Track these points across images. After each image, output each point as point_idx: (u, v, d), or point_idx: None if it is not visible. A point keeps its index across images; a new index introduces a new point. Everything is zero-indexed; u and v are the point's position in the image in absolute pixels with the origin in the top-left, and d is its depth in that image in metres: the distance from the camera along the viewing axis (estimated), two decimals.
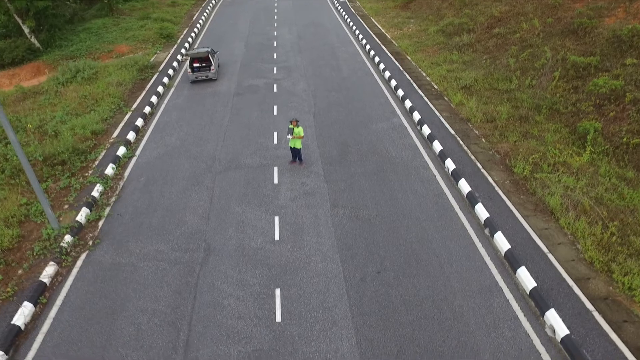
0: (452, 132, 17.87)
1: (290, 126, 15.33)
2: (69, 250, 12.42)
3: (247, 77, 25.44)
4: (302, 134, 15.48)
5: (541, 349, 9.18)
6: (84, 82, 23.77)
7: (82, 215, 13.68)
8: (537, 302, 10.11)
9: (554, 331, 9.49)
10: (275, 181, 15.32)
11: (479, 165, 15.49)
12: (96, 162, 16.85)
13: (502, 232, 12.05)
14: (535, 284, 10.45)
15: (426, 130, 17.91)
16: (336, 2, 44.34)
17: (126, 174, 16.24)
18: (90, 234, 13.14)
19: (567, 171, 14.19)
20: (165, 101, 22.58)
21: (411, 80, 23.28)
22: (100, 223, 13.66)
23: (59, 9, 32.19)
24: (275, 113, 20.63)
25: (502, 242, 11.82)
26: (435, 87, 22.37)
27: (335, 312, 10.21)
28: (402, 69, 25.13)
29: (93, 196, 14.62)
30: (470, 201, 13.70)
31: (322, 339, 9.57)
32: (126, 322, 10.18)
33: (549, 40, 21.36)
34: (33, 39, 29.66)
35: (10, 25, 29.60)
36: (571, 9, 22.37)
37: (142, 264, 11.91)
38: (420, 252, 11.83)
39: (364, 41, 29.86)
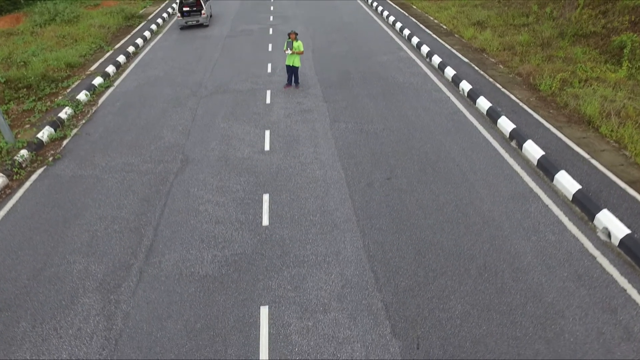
0: (466, 60, 15.99)
1: (289, 40, 13.45)
2: (23, 165, 10.55)
3: (242, 23, 23.60)
4: (301, 48, 13.60)
5: (595, 252, 7.30)
6: (64, 24, 21.84)
7: (44, 133, 11.81)
8: (584, 206, 8.22)
9: (608, 234, 7.62)
10: (268, 101, 13.46)
11: (498, 85, 13.62)
12: (68, 90, 14.97)
13: (532, 141, 10.18)
14: (579, 187, 8.58)
15: (436, 59, 15.99)
16: None
17: (101, 100, 14.35)
18: (52, 152, 11.28)
19: (602, 85, 12.30)
20: (152, 44, 20.71)
21: (418, 23, 21.40)
22: (65, 142, 11.78)
23: None
24: (270, 49, 18.77)
25: (533, 150, 9.93)
26: (444, 27, 20.48)
27: (336, 215, 8.34)
28: (407, 14, 23.27)
29: (60, 117, 12.73)
30: (491, 116, 11.83)
31: (320, 242, 7.71)
32: (79, 230, 8.30)
33: None
34: None
35: None
36: None
37: (107, 175, 10.04)
38: (437, 161, 9.96)
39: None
